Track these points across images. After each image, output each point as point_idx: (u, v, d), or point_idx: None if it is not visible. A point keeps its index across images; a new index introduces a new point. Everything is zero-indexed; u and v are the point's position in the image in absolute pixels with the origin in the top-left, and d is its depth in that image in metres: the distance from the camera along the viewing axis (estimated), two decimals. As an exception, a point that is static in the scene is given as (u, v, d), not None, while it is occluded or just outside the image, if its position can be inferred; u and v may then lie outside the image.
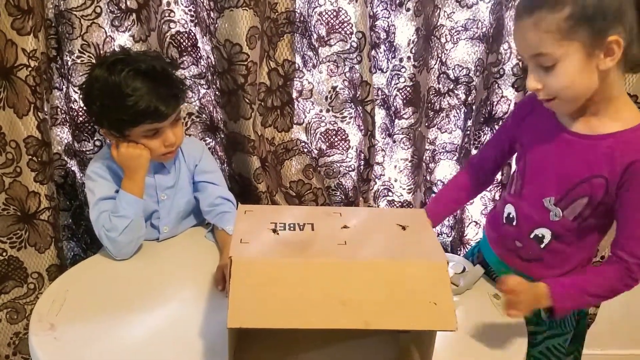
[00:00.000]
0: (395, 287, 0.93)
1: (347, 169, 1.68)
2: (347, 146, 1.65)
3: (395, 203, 1.77)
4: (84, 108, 1.33)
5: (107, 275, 1.25)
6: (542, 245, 1.14)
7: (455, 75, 1.59)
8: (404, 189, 1.75)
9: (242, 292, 0.89)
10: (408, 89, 1.57)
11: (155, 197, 1.36)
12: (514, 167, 1.25)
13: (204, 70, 1.49)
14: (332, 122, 1.61)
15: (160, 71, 1.24)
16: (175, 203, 1.38)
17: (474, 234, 1.80)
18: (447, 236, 1.84)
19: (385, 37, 1.53)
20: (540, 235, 1.14)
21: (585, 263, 1.17)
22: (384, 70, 1.58)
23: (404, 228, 1.05)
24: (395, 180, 1.75)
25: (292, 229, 1.01)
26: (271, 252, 0.94)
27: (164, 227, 1.38)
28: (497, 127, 1.63)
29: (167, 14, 1.41)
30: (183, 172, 1.39)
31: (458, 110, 1.64)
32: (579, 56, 0.95)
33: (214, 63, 1.44)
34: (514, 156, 1.24)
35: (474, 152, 1.67)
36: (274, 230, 1.00)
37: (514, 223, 1.18)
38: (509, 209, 1.19)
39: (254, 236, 0.98)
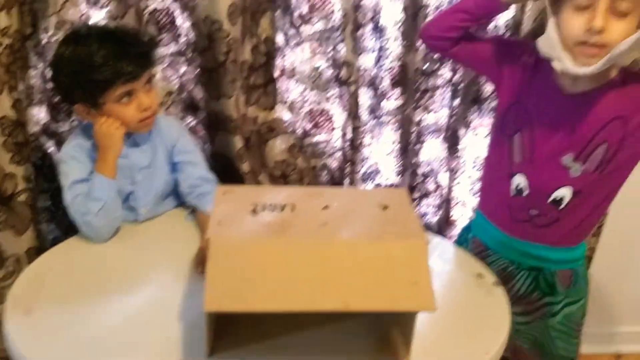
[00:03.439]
0: (375, 268, 0.92)
1: (332, 149, 1.66)
2: (332, 127, 1.63)
3: (383, 186, 1.76)
4: (56, 87, 1.30)
5: (85, 258, 1.23)
6: (561, 207, 1.16)
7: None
8: (391, 171, 1.73)
9: (219, 275, 0.88)
10: (395, 70, 1.54)
11: (130, 178, 1.33)
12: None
13: (183, 48, 1.46)
14: (317, 102, 1.59)
15: (127, 31, 1.25)
16: (153, 184, 1.36)
17: (460, 214, 1.79)
18: (434, 216, 1.82)
19: (371, 16, 1.50)
20: (559, 198, 1.16)
21: (598, 219, 1.24)
22: (371, 51, 1.56)
23: (385, 208, 1.03)
24: (383, 163, 1.73)
25: (272, 210, 0.99)
26: (250, 233, 0.93)
27: (142, 208, 1.35)
28: (484, 106, 1.61)
29: (145, -10, 1.38)
30: (160, 152, 1.36)
31: (443, 90, 1.62)
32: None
33: (194, 40, 1.41)
34: (508, 120, 1.21)
35: (462, 131, 1.66)
36: (254, 212, 0.98)
37: (525, 193, 1.18)
38: (518, 180, 1.19)
39: (232, 217, 0.96)
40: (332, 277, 0.90)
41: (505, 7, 1.13)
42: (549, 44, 1.04)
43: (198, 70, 1.46)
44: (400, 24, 1.47)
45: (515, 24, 1.46)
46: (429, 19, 1.50)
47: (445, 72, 1.59)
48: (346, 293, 0.88)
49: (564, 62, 1.04)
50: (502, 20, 1.48)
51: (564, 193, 1.15)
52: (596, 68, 1.01)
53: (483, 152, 1.44)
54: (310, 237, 0.93)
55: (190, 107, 1.55)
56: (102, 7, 1.32)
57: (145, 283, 1.15)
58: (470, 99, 1.60)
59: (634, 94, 1.08)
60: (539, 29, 1.25)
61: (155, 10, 1.41)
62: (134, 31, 1.30)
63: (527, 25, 1.47)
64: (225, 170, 1.55)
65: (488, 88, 1.58)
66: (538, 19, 1.41)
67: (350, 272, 0.91)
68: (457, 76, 1.59)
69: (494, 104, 1.58)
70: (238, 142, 1.49)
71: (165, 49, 1.46)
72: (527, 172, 1.18)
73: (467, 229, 1.40)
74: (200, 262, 1.17)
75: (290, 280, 0.89)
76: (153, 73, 1.30)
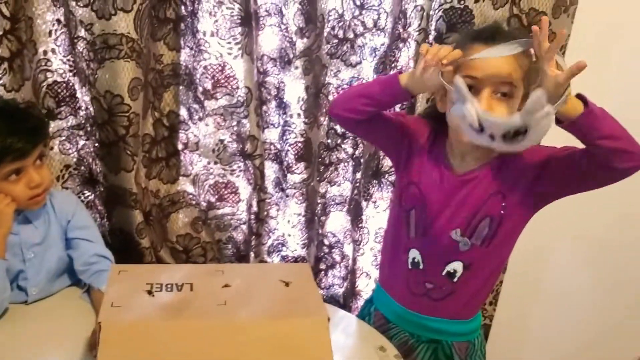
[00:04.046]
0: (276, 348, 0.91)
1: (238, 222, 1.66)
2: (238, 199, 1.63)
3: (289, 258, 1.76)
4: None
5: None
6: (455, 279, 1.20)
7: (343, 130, 1.62)
8: (297, 243, 1.75)
9: (111, 360, 0.84)
10: (299, 144, 1.59)
11: (20, 255, 1.26)
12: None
13: (82, 121, 1.44)
14: (221, 175, 1.59)
15: (17, 106, 1.20)
16: (45, 261, 1.29)
17: (365, 285, 1.82)
18: (339, 287, 1.84)
19: (275, 93, 1.55)
20: (452, 271, 1.19)
21: (489, 292, 1.28)
22: (276, 126, 1.59)
23: (287, 284, 1.03)
24: (289, 235, 1.74)
25: (169, 289, 0.97)
26: (145, 316, 0.90)
27: (33, 288, 1.28)
28: (384, 180, 1.68)
29: (43, 63, 1.35)
30: (53, 228, 1.30)
31: (346, 164, 1.68)
32: (521, 96, 1.08)
33: (93, 114, 1.39)
34: (405, 198, 1.24)
35: (364, 204, 1.71)
36: (150, 292, 0.96)
37: (421, 267, 1.22)
38: (413, 254, 1.23)
39: (127, 299, 0.93)
40: (229, 358, 0.88)
41: (410, 97, 1.16)
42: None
43: (97, 144, 1.43)
44: (303, 102, 1.52)
45: (411, 106, 1.56)
46: (331, 96, 1.57)
47: (348, 147, 1.65)
48: (245, 375, 0.87)
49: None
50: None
51: (456, 267, 1.20)
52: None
53: (383, 224, 1.48)
54: (208, 318, 0.91)
55: (89, 181, 1.51)
56: (-6, 80, 1.27)
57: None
58: (371, 173, 1.66)
59: (511, 170, 1.16)
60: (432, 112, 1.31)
61: (54, 82, 1.38)
62: (26, 105, 1.26)
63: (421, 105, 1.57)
64: (124, 246, 1.50)
65: (386, 162, 1.65)
66: (430, 101, 1.52)
67: (249, 352, 0.90)
68: (358, 151, 1.65)
69: (392, 178, 1.65)
70: (138, 217, 1.45)
71: (64, 122, 1.43)
72: (421, 247, 1.22)
73: (369, 302, 1.41)
74: (95, 344, 1.11)
75: (186, 364, 0.86)
76: (45, 149, 1.26)
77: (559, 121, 1.02)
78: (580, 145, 1.04)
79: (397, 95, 1.13)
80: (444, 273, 1.20)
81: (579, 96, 1.00)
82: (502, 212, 1.15)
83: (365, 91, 1.17)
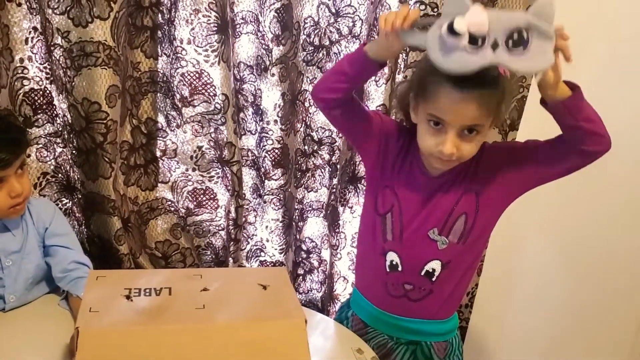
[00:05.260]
0: (254, 350, 0.93)
1: (216, 228, 1.67)
2: (216, 205, 1.65)
3: (268, 263, 1.78)
4: None
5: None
6: (434, 279, 1.22)
7: (319, 136, 1.65)
8: (275, 249, 1.76)
9: (90, 365, 0.84)
10: (276, 151, 1.60)
11: None
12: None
13: (60, 129, 1.44)
14: (200, 182, 1.60)
15: None
16: (23, 269, 1.29)
17: (342, 289, 1.84)
18: (317, 292, 1.86)
19: (252, 100, 1.56)
20: (431, 270, 1.21)
21: (465, 289, 1.30)
22: (253, 133, 1.61)
23: (265, 287, 1.05)
24: (267, 241, 1.76)
25: (147, 294, 0.98)
26: (123, 321, 0.91)
27: (10, 295, 1.27)
28: (360, 185, 1.70)
29: (20, 71, 1.35)
30: (31, 236, 1.30)
31: (323, 170, 1.70)
32: (489, 126, 1.10)
33: (70, 121, 1.39)
34: (380, 201, 1.25)
35: (340, 209, 1.73)
36: (128, 297, 0.96)
37: (400, 269, 1.23)
38: (391, 257, 1.24)
39: (105, 304, 0.93)
40: (208, 361, 0.89)
41: (374, 67, 1.14)
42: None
43: (74, 151, 1.43)
44: (279, 109, 1.54)
45: (386, 112, 1.58)
46: (307, 103, 1.59)
47: (324, 153, 1.67)
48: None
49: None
50: (373, 106, 1.60)
51: (434, 265, 1.22)
52: None
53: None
54: (187, 321, 0.92)
55: (67, 188, 1.51)
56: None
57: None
58: (347, 179, 1.68)
59: (484, 167, 1.19)
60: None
61: (31, 90, 1.38)
62: (5, 114, 1.26)
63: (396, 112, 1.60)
64: (103, 252, 1.51)
65: (361, 168, 1.68)
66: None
67: (227, 355, 0.91)
68: (334, 157, 1.68)
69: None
70: (116, 223, 1.46)
71: (41, 130, 1.43)
72: (398, 249, 1.23)
73: (346, 306, 1.42)
74: (74, 351, 1.11)
75: (165, 368, 0.87)
76: (25, 157, 1.26)
77: (544, 102, 1.08)
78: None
79: (365, 65, 1.13)
80: (422, 273, 1.22)
81: (568, 83, 1.06)
82: (477, 207, 1.18)
83: (337, 68, 1.20)
